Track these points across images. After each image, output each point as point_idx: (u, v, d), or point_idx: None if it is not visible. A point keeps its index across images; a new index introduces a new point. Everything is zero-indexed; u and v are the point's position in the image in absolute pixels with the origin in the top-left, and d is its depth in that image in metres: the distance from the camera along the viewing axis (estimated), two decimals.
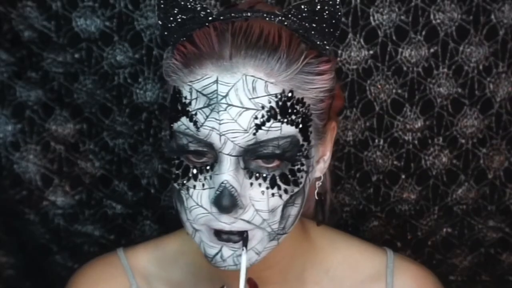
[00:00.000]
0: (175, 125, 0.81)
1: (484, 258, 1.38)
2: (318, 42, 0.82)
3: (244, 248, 0.80)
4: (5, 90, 1.26)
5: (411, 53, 1.28)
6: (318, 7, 0.81)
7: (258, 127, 0.78)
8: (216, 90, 0.78)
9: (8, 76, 1.25)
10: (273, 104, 0.78)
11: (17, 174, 1.28)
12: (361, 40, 1.27)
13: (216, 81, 0.78)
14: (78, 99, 1.27)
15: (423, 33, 1.27)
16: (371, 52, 1.27)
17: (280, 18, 0.82)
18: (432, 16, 1.26)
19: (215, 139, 0.78)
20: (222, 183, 0.78)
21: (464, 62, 1.29)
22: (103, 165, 1.30)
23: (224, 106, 0.77)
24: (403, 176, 1.33)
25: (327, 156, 0.90)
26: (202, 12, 0.82)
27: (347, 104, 1.29)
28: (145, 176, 1.31)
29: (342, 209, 1.35)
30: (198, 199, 0.80)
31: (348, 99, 1.29)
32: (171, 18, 0.82)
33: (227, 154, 0.78)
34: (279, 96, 0.79)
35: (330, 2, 0.81)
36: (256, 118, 0.77)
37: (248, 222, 0.80)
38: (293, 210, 0.83)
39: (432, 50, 1.28)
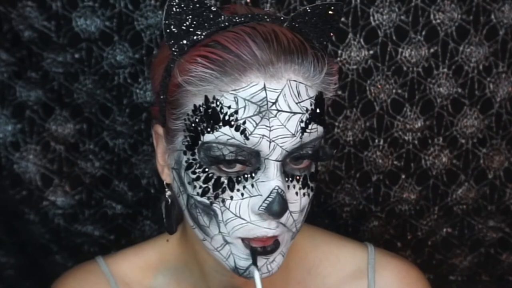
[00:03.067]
0: (209, 137, 0.79)
1: (484, 258, 1.38)
2: (317, 43, 0.83)
3: (255, 266, 0.81)
4: (5, 90, 1.26)
5: (411, 53, 1.28)
6: (323, 11, 0.83)
7: (303, 130, 0.79)
8: (266, 97, 0.77)
9: (8, 76, 1.25)
10: (313, 107, 0.80)
11: (17, 174, 1.28)
12: (361, 40, 1.27)
13: (264, 88, 0.77)
14: (78, 99, 1.27)
15: (423, 33, 1.27)
16: (371, 52, 1.27)
17: (287, 23, 0.82)
18: (432, 16, 1.26)
19: (264, 146, 0.77)
20: (274, 189, 0.77)
21: (464, 62, 1.29)
22: (103, 165, 1.30)
23: (274, 112, 0.77)
24: (403, 176, 1.33)
25: None
26: (217, 19, 0.80)
27: (347, 104, 1.29)
28: (145, 176, 1.31)
29: (342, 209, 1.35)
30: (236, 210, 0.79)
31: (348, 99, 1.29)
32: (180, 23, 0.80)
33: (274, 160, 0.78)
34: (316, 99, 0.80)
35: (334, 6, 0.83)
36: (301, 121, 0.79)
37: (284, 225, 0.81)
38: (309, 207, 0.85)
39: (432, 50, 1.28)
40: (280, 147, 0.78)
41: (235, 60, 0.77)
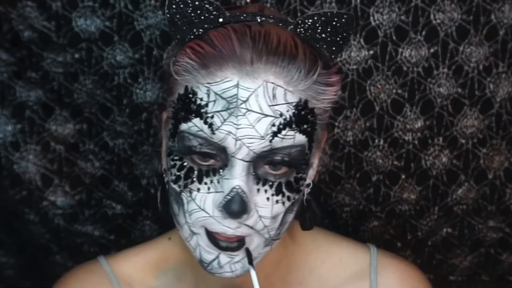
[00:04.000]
0: (184, 126, 0.80)
1: (484, 258, 1.38)
2: (326, 53, 0.83)
3: (251, 266, 0.81)
4: (5, 90, 1.26)
5: (411, 53, 1.28)
6: (334, 19, 0.81)
7: (275, 134, 0.78)
8: (237, 94, 0.77)
9: (8, 76, 1.25)
10: (290, 113, 0.79)
11: (17, 174, 1.28)
12: (361, 40, 1.27)
13: (237, 85, 0.77)
14: (78, 99, 1.27)
15: (423, 33, 1.27)
16: (371, 52, 1.27)
17: (292, 26, 0.82)
18: (432, 16, 1.26)
19: (230, 143, 0.77)
20: (234, 188, 0.77)
21: (464, 62, 1.29)
22: (103, 165, 1.30)
23: (243, 111, 0.77)
24: (403, 176, 1.33)
25: (316, 163, 0.90)
26: (214, 12, 0.81)
27: (347, 104, 1.29)
28: (145, 176, 1.31)
29: (342, 209, 1.35)
30: (201, 203, 0.80)
31: (348, 99, 1.29)
32: (182, 14, 0.81)
33: (240, 159, 0.78)
34: (296, 105, 0.79)
35: (345, 16, 0.82)
36: (273, 125, 0.78)
37: (251, 227, 0.80)
38: (290, 217, 0.84)
39: (432, 50, 1.28)
40: (247, 147, 0.77)
41: (215, 54, 0.78)
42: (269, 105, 0.77)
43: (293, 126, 0.79)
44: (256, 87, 0.77)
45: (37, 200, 1.30)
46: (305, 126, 0.80)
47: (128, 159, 1.30)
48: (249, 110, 0.77)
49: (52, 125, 1.28)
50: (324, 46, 0.82)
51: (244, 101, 0.77)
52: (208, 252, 0.82)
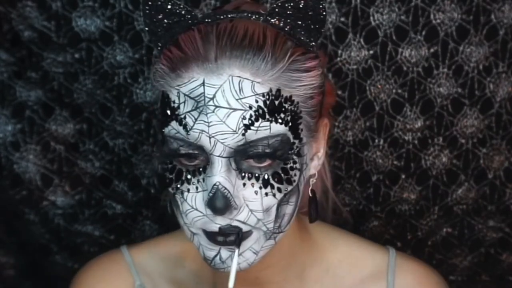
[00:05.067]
0: (166, 130, 0.81)
1: (484, 258, 1.38)
2: (305, 39, 0.82)
3: (237, 248, 0.81)
4: (5, 90, 1.26)
5: (411, 53, 1.28)
6: (302, 4, 0.81)
7: (247, 127, 0.78)
8: (203, 92, 0.78)
9: (8, 76, 1.25)
10: (261, 104, 0.79)
11: (17, 174, 1.28)
12: (361, 40, 1.27)
13: (203, 84, 0.78)
14: (78, 99, 1.27)
15: (423, 33, 1.27)
16: (371, 52, 1.27)
17: (264, 17, 0.82)
18: (432, 16, 1.27)
19: (205, 141, 0.78)
20: (215, 185, 0.78)
21: (464, 62, 1.29)
22: (103, 165, 1.30)
23: (212, 108, 0.77)
24: (403, 176, 1.33)
25: (321, 153, 0.90)
26: (187, 16, 0.82)
27: (347, 104, 1.29)
28: (145, 176, 1.31)
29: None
30: (192, 202, 0.81)
31: (348, 99, 1.29)
32: (157, 23, 0.82)
33: (218, 156, 0.78)
34: (267, 96, 0.79)
35: (304, 2, 0.81)
36: (244, 118, 0.78)
37: (243, 222, 0.80)
38: (288, 209, 0.84)
39: (432, 50, 1.28)
40: (221, 143, 0.78)
41: (181, 56, 0.79)
42: (237, 99, 0.78)
43: (267, 116, 0.79)
44: (222, 82, 0.78)
45: (37, 200, 1.30)
46: (281, 115, 0.80)
47: (128, 159, 1.30)
48: (217, 107, 0.77)
49: (52, 125, 1.28)
50: (302, 32, 0.82)
51: (211, 98, 0.77)
52: (209, 249, 0.83)
